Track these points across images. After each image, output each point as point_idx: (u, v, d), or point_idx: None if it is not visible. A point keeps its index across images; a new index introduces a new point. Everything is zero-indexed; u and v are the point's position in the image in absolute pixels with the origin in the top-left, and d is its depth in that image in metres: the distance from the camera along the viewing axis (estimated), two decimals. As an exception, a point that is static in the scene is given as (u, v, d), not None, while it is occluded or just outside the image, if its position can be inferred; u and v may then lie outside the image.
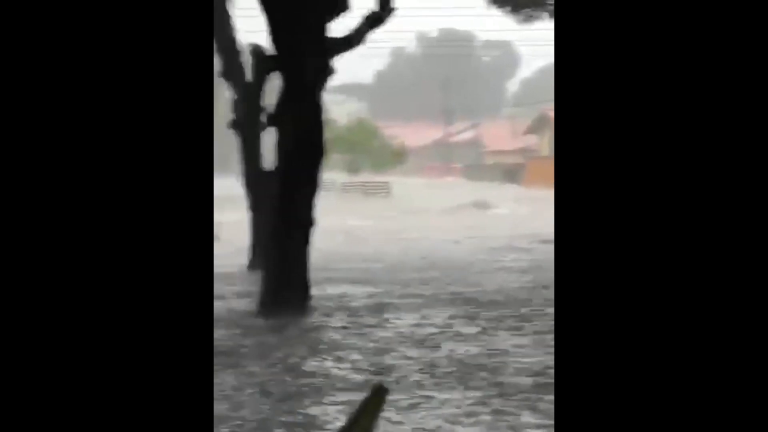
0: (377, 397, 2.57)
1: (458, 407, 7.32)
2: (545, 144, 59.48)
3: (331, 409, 7.41)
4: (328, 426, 6.92)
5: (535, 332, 10.46)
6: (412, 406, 7.37)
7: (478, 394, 7.70)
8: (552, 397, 7.21)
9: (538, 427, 6.70)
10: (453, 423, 6.93)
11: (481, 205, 38.70)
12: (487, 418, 6.98)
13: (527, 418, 6.93)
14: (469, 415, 7.11)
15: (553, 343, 8.70)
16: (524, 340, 10.00)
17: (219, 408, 7.37)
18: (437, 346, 9.84)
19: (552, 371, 8.18)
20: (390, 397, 5.90)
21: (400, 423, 6.90)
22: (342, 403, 7.55)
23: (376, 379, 8.20)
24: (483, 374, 8.40)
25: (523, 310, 12.12)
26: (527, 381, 8.05)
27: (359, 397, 7.58)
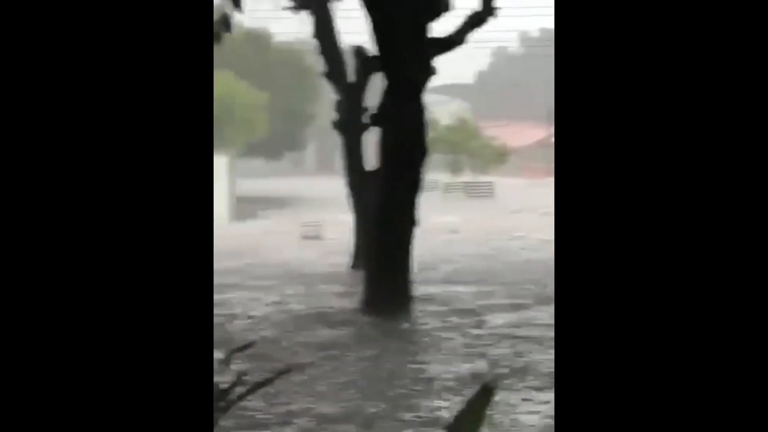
0: (485, 395, 2.57)
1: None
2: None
3: (436, 406, 7.44)
4: (434, 424, 6.94)
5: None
6: (514, 405, 7.36)
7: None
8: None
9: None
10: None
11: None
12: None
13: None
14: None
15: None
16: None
17: (320, 405, 7.46)
18: (539, 346, 9.81)
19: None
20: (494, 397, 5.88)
21: (503, 422, 6.90)
22: (446, 401, 7.58)
23: (481, 377, 8.20)
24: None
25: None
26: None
27: (463, 396, 7.60)
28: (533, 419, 7.03)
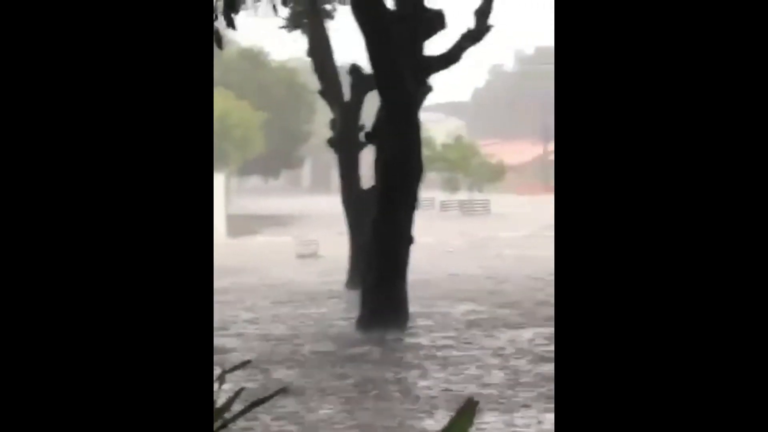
0: (468, 411, 2.60)
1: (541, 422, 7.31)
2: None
3: (426, 423, 7.45)
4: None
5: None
6: (508, 424, 7.39)
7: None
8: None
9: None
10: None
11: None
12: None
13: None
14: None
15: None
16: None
17: (320, 425, 7.48)
18: (534, 362, 9.82)
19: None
20: (479, 411, 5.87)
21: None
22: (435, 416, 7.60)
23: (468, 394, 8.21)
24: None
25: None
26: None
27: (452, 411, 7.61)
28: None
